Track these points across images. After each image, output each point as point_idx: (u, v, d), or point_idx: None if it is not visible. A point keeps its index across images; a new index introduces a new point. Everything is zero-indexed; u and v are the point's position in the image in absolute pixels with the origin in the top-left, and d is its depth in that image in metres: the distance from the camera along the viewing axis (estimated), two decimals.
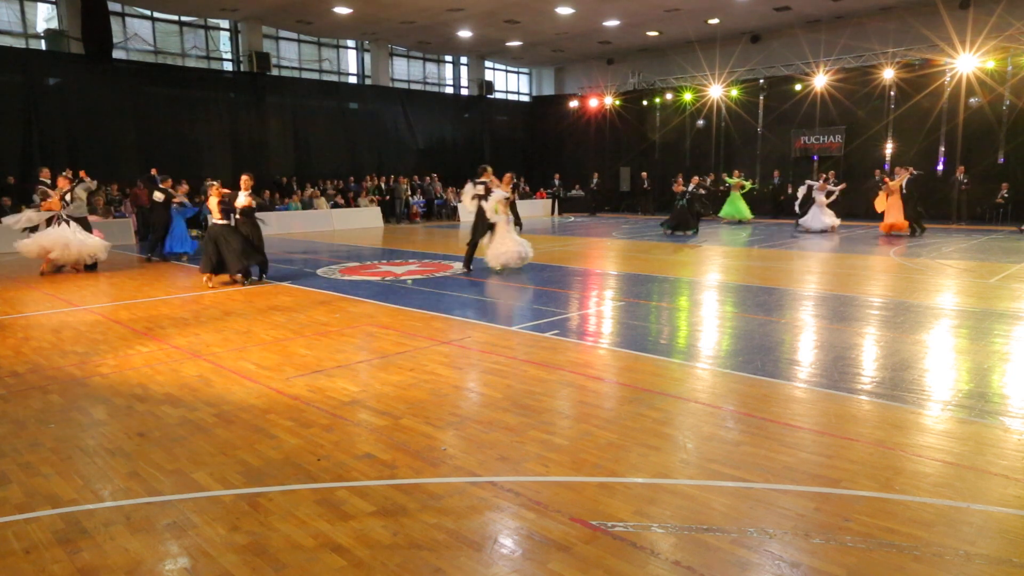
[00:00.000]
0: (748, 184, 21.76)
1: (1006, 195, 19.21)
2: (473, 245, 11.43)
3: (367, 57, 24.96)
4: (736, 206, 21.22)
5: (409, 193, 24.14)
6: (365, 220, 21.93)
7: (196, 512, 3.35)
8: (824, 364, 5.82)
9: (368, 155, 24.43)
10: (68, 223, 11.46)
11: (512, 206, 12.12)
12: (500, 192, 11.03)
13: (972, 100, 19.43)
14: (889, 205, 16.65)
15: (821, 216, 18.23)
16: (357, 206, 22.46)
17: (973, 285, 9.66)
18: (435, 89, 27.74)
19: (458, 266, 11.98)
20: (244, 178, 10.52)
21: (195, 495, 3.53)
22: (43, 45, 18.09)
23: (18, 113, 16.93)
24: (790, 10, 20.06)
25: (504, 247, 11.11)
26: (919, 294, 8.99)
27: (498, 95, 29.29)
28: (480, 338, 6.84)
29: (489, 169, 11.35)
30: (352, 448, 4.12)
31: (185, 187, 13.96)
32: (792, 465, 3.79)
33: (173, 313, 8.28)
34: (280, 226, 19.86)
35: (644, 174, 25.95)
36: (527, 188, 27.94)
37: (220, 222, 10.02)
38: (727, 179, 21.82)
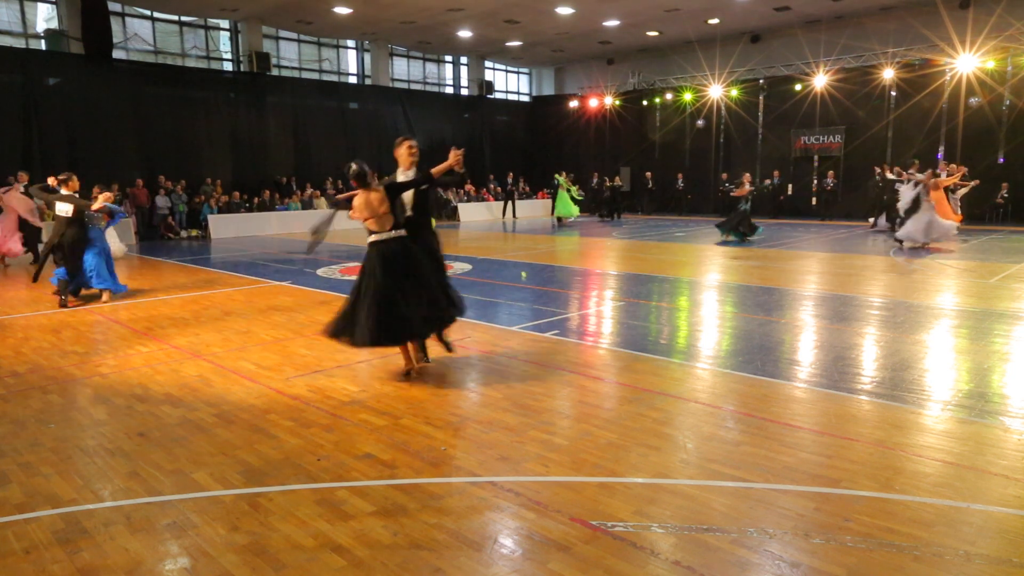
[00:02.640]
0: (575, 189, 22.85)
1: (1006, 195, 19.21)
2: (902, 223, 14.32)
3: (367, 57, 24.95)
4: (566, 205, 22.22)
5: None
6: None
7: (196, 512, 3.35)
8: (824, 364, 5.82)
9: (368, 155, 24.39)
10: None
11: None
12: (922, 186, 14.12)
13: (972, 100, 19.42)
14: (937, 202, 16.60)
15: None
16: None
17: (973, 285, 9.66)
18: (435, 89, 27.72)
19: (459, 265, 11.98)
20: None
21: (195, 495, 3.53)
22: (43, 45, 18.07)
23: (18, 113, 16.90)
24: (790, 10, 20.04)
25: (923, 223, 13.81)
26: (919, 294, 8.99)
27: (498, 95, 29.27)
28: (480, 338, 6.84)
29: (917, 162, 14.77)
30: (352, 448, 4.12)
31: (106, 194, 9.08)
32: (792, 465, 3.79)
33: (173, 313, 8.28)
34: (280, 226, 19.88)
35: (648, 174, 25.97)
36: (527, 188, 27.94)
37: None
38: (557, 179, 22.60)
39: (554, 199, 22.75)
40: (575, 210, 22.62)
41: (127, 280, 11.14)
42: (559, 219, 22.45)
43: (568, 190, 22.40)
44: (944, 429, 4.32)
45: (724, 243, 15.61)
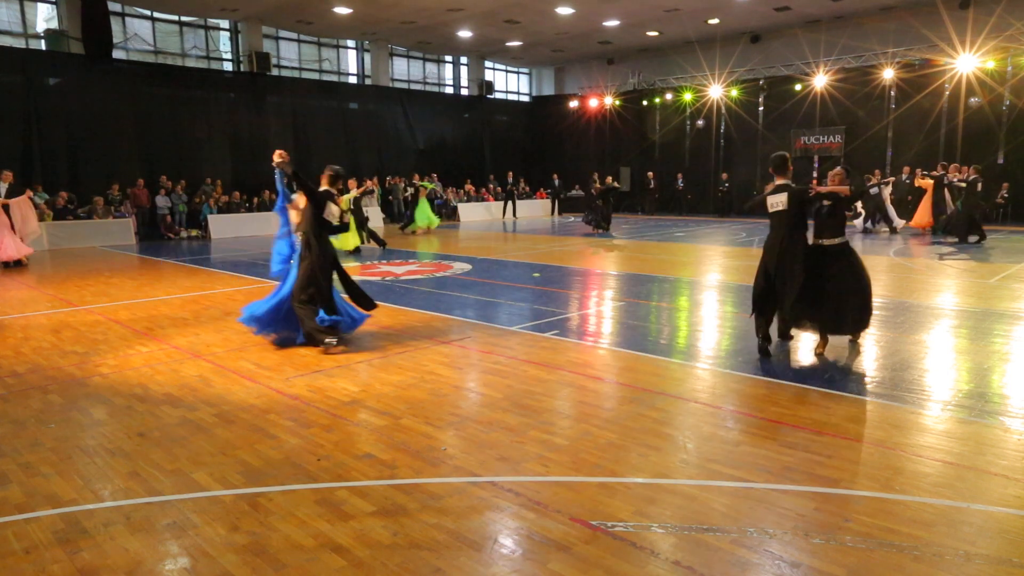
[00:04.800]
0: (431, 185, 20.83)
1: (1006, 195, 19.20)
2: None
3: (367, 57, 24.95)
4: (426, 213, 19.34)
5: (409, 193, 24.12)
6: None
7: (196, 512, 3.35)
8: (824, 364, 5.82)
9: (368, 155, 24.41)
10: None
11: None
12: None
13: (972, 100, 19.42)
14: (923, 202, 16.53)
15: None
16: None
17: (973, 285, 9.66)
18: (435, 89, 27.72)
19: (459, 265, 12.00)
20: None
21: (195, 495, 3.53)
22: (43, 45, 18.07)
23: (18, 113, 16.90)
24: (790, 10, 20.04)
25: None
26: (919, 294, 8.99)
27: (498, 95, 29.26)
28: (480, 338, 6.84)
29: (878, 172, 14.40)
30: (352, 448, 4.12)
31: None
32: (792, 465, 3.79)
33: (173, 313, 8.28)
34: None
35: (650, 174, 25.97)
36: (527, 188, 27.93)
37: None
38: (421, 184, 20.06)
39: (415, 206, 19.38)
40: (435, 220, 19.64)
41: (128, 280, 11.13)
42: (427, 227, 19.43)
43: (428, 194, 19.96)
44: (944, 429, 4.32)
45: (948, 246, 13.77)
